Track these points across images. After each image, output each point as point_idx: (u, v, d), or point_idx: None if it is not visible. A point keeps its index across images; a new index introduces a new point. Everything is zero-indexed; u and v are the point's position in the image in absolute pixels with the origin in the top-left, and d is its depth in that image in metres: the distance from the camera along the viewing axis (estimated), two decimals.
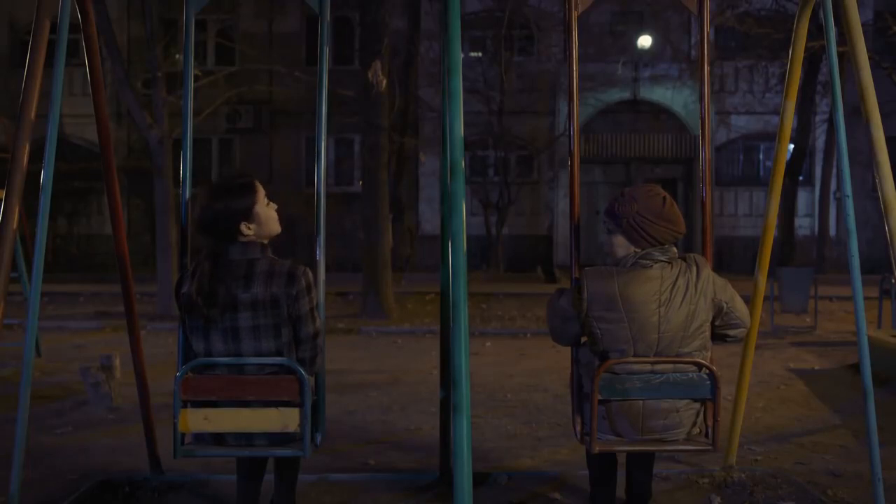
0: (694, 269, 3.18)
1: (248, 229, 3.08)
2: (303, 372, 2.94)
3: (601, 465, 3.53)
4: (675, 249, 3.26)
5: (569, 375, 3.37)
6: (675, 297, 3.10)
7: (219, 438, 3.06)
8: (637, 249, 3.21)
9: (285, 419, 2.93)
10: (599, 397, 3.11)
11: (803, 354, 8.95)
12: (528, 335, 10.23)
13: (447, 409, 4.10)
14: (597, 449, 3.16)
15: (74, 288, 14.74)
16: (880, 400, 3.84)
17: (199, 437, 3.09)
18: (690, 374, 3.13)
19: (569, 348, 3.43)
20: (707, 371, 3.12)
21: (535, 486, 4.31)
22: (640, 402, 3.13)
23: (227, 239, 3.07)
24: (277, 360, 2.99)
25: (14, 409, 3.53)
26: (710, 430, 3.20)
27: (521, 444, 5.27)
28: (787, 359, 8.63)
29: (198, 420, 2.95)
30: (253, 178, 3.19)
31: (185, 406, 2.99)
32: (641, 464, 3.58)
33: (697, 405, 3.20)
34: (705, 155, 3.73)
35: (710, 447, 3.21)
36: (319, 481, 4.31)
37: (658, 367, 3.13)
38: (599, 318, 3.12)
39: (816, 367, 8.20)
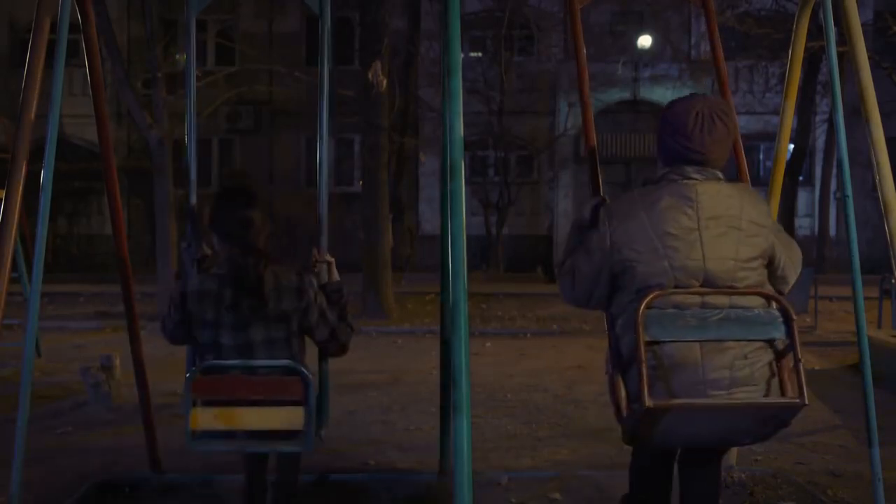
0: (747, 195, 2.65)
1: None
2: (306, 373, 3.00)
3: (654, 461, 2.86)
4: (719, 174, 2.65)
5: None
6: (718, 219, 2.55)
7: (228, 433, 3.10)
8: (667, 168, 2.68)
9: (291, 418, 3.02)
10: (647, 338, 2.44)
11: (803, 354, 8.93)
12: (528, 335, 10.23)
13: (447, 408, 4.10)
14: (651, 403, 2.39)
15: (74, 288, 14.74)
16: (880, 400, 3.84)
17: (209, 433, 3.12)
18: (756, 310, 2.53)
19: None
20: (778, 306, 2.53)
21: (535, 486, 4.31)
22: (698, 346, 2.48)
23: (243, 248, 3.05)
24: (282, 362, 3.05)
25: (14, 409, 3.53)
26: (791, 383, 2.52)
27: (521, 444, 5.27)
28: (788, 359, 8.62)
29: (208, 418, 3.03)
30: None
31: (195, 405, 3.04)
32: (701, 465, 2.85)
33: (770, 354, 2.54)
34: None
35: (797, 402, 2.50)
36: (319, 481, 4.31)
37: (711, 299, 2.52)
38: (628, 257, 2.56)
39: (816, 367, 8.20)
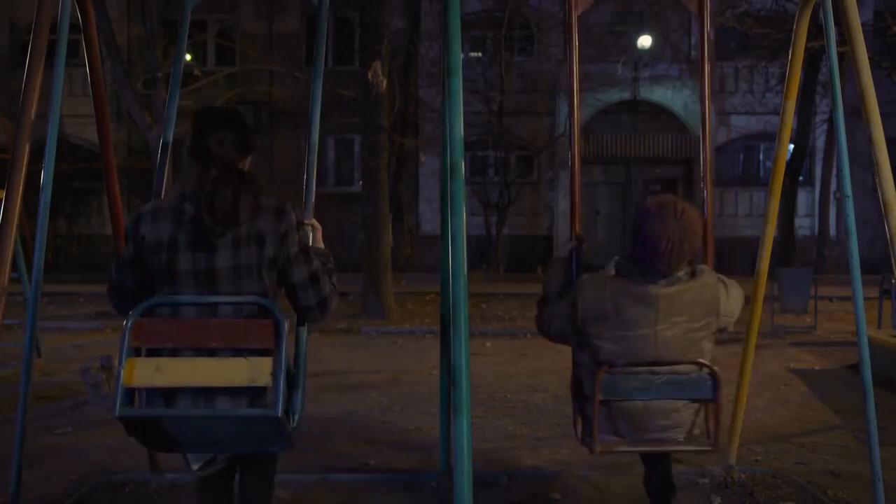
0: (703, 291, 3.05)
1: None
2: (278, 314, 2.45)
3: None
4: (681, 274, 3.04)
5: (569, 376, 3.33)
6: (673, 317, 3.01)
7: (170, 398, 2.50)
8: (637, 266, 3.08)
9: (254, 371, 2.41)
10: (600, 397, 3.06)
11: (803, 354, 8.95)
12: (528, 335, 10.22)
13: (447, 409, 4.10)
14: (598, 450, 3.13)
15: (74, 288, 14.72)
16: (880, 400, 3.84)
17: (152, 395, 2.53)
18: (692, 374, 3.07)
19: (569, 349, 3.40)
20: (708, 371, 3.06)
21: (535, 486, 4.31)
22: (641, 402, 3.08)
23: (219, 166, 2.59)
24: (249, 298, 2.50)
25: (14, 409, 3.54)
26: (711, 431, 3.15)
27: (521, 444, 5.27)
28: (787, 359, 8.62)
29: (148, 371, 2.44)
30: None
31: (133, 355, 2.48)
32: (657, 471, 3.48)
33: (697, 404, 3.14)
34: (705, 155, 3.71)
35: (711, 448, 3.17)
36: (319, 481, 4.31)
37: (658, 367, 3.08)
38: (595, 334, 3.06)
39: (816, 367, 8.20)
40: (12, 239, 3.28)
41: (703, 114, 3.71)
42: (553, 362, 8.06)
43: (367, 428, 5.69)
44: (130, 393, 2.51)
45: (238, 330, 2.48)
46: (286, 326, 2.48)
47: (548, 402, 6.50)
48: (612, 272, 3.14)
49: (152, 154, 11.76)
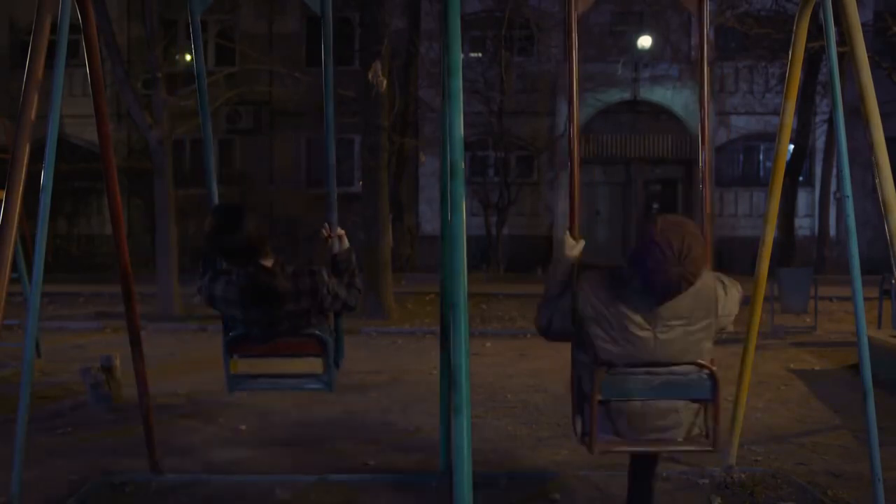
0: (699, 296, 3.04)
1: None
2: (324, 336, 3.61)
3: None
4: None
5: (569, 376, 3.33)
6: (671, 321, 3.01)
7: (261, 375, 3.71)
8: (637, 286, 3.06)
9: (312, 366, 3.65)
10: (600, 397, 3.08)
11: (803, 354, 8.95)
12: (528, 335, 10.22)
13: (447, 409, 4.10)
14: (597, 450, 3.15)
15: (74, 288, 14.73)
16: (880, 400, 3.84)
17: (244, 376, 3.68)
18: (690, 375, 3.09)
19: (569, 349, 3.40)
20: (707, 372, 3.09)
21: (535, 486, 4.31)
22: (639, 402, 3.10)
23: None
24: (303, 333, 3.59)
25: (14, 409, 3.54)
26: (710, 431, 3.17)
27: (521, 445, 5.28)
28: (787, 359, 8.63)
29: (244, 366, 3.63)
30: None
31: (232, 357, 3.59)
32: (644, 468, 3.52)
33: (696, 405, 3.16)
34: (705, 156, 3.70)
35: (709, 448, 3.19)
36: (319, 481, 4.31)
37: (656, 368, 3.09)
38: (594, 334, 3.06)
39: (816, 368, 8.20)
40: (12, 239, 3.28)
41: (702, 115, 3.69)
42: (553, 362, 8.06)
43: (367, 428, 5.69)
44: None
45: (299, 345, 3.66)
46: (330, 343, 3.66)
47: (548, 402, 6.50)
48: (613, 273, 3.14)
49: (152, 154, 11.77)
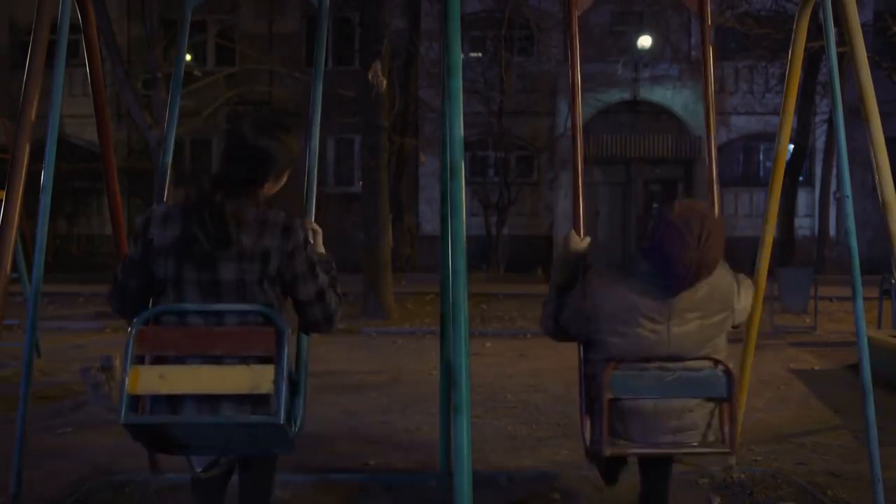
0: (714, 288, 2.92)
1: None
2: (280, 322, 2.48)
3: (609, 467, 3.33)
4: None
5: (571, 377, 3.31)
6: (686, 314, 2.88)
7: (174, 405, 2.49)
8: (650, 273, 2.92)
9: (256, 378, 2.45)
10: (610, 396, 2.90)
11: (803, 354, 8.95)
12: (528, 335, 10.22)
13: (447, 409, 4.10)
14: (608, 452, 2.96)
15: (75, 288, 14.72)
16: (880, 400, 3.84)
17: (156, 401, 2.52)
18: (704, 371, 2.93)
19: (569, 349, 3.38)
20: (723, 368, 2.92)
21: (535, 486, 4.31)
22: (652, 401, 2.92)
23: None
24: (252, 307, 2.51)
25: (14, 410, 3.54)
26: (725, 434, 2.99)
27: (521, 445, 5.27)
28: (787, 359, 8.63)
29: (152, 379, 2.46)
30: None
31: (138, 363, 2.48)
32: (658, 468, 3.32)
33: (711, 404, 2.98)
34: (710, 155, 3.62)
35: (727, 451, 3.04)
36: (319, 481, 4.31)
37: (668, 362, 2.93)
38: (604, 329, 2.93)
39: (816, 367, 8.20)
40: (12, 239, 3.28)
41: (707, 114, 3.65)
42: (553, 362, 8.06)
43: (367, 428, 5.69)
44: (135, 399, 2.50)
45: (241, 338, 2.50)
46: (288, 334, 2.50)
47: (548, 402, 6.50)
48: (623, 266, 3.03)
49: (152, 154, 11.78)
